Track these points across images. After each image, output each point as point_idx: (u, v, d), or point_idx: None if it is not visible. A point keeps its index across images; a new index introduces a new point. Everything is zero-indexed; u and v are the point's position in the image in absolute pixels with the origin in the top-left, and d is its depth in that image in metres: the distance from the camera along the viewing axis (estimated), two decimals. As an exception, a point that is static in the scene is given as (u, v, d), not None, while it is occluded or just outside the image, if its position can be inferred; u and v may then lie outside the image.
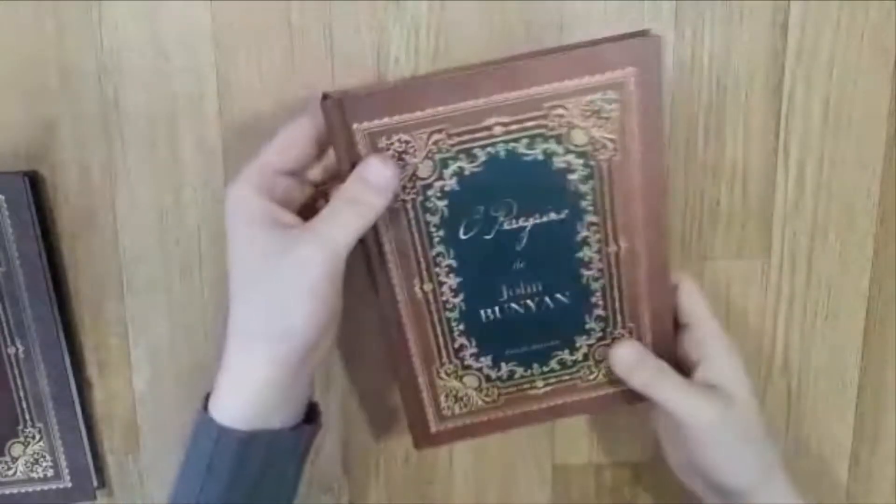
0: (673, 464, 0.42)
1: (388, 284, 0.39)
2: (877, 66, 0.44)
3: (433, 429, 0.43)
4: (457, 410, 0.43)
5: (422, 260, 0.39)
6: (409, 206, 0.37)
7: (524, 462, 0.50)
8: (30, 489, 0.48)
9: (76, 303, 0.46)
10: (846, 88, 0.44)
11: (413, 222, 0.38)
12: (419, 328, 0.40)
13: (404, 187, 0.37)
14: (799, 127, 0.44)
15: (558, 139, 0.36)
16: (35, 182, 0.44)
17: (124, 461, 0.49)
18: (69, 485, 0.48)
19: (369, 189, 0.35)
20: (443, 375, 0.42)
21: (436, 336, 0.41)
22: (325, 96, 0.34)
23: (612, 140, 0.37)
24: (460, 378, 0.42)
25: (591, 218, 0.38)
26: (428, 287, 0.39)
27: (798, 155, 0.45)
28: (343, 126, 0.35)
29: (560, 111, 0.36)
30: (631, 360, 0.40)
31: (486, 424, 0.43)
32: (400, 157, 0.36)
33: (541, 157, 0.37)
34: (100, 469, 0.49)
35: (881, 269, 0.47)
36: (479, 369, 0.42)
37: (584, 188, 0.37)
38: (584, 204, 0.38)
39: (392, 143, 0.36)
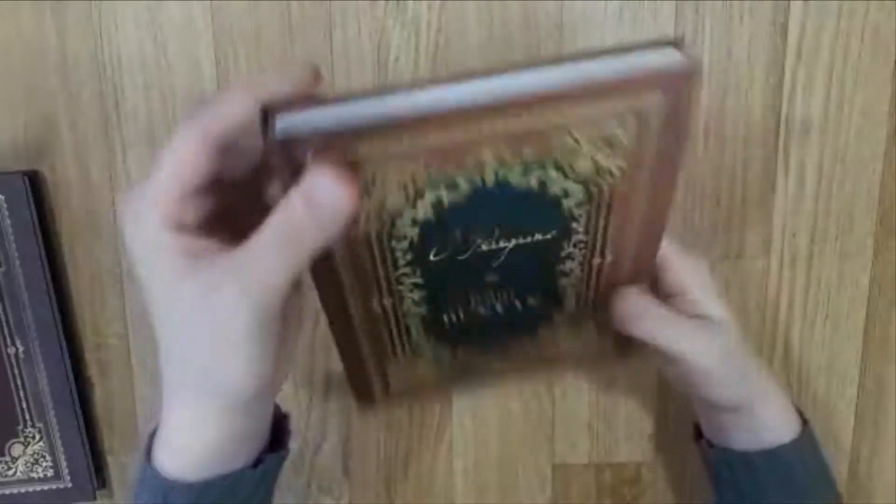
0: (678, 387, 0.42)
1: (339, 299, 0.33)
2: (877, 66, 0.44)
3: (378, 399, 0.40)
4: (406, 387, 0.40)
5: (382, 281, 0.33)
6: (371, 236, 0.31)
7: (524, 462, 0.50)
8: (30, 489, 0.48)
9: (76, 303, 0.46)
10: (846, 88, 0.44)
11: (376, 252, 0.32)
12: (372, 333, 0.36)
13: (368, 218, 0.30)
14: (799, 127, 0.44)
15: (558, 166, 0.30)
16: (35, 182, 0.44)
17: (124, 461, 0.49)
18: (69, 485, 0.48)
19: (315, 216, 0.26)
20: (393, 364, 0.38)
21: (391, 339, 0.37)
22: (265, 112, 0.26)
23: (621, 168, 0.31)
24: (412, 365, 0.39)
25: (579, 237, 0.34)
26: (387, 302, 0.34)
27: (798, 155, 0.45)
28: (289, 163, 0.26)
29: (567, 140, 0.29)
30: (636, 311, 0.37)
31: (433, 391, 0.42)
32: (364, 190, 0.28)
33: (535, 187, 0.31)
34: (100, 469, 0.49)
35: (881, 269, 0.47)
36: (435, 358, 0.39)
37: (577, 212, 0.32)
38: (574, 225, 0.33)
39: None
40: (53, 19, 0.42)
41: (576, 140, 0.29)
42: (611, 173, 0.31)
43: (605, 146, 0.30)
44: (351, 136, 0.26)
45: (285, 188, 0.26)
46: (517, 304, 0.37)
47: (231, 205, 0.30)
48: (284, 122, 0.25)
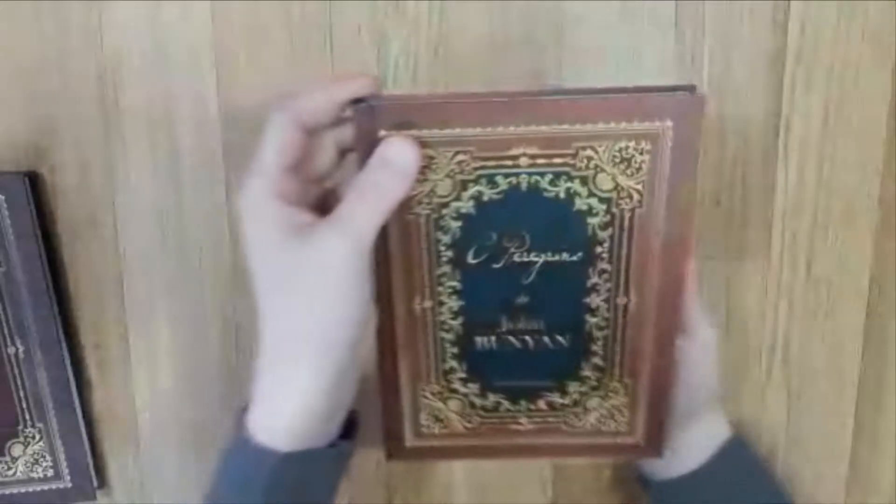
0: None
1: (388, 295, 0.38)
2: (877, 66, 0.44)
3: (408, 443, 0.42)
4: (436, 430, 0.42)
5: (426, 277, 0.38)
6: (421, 220, 0.36)
7: (524, 462, 0.50)
8: (30, 489, 0.48)
9: (76, 303, 0.46)
10: (846, 88, 0.44)
11: (423, 237, 0.37)
12: (411, 343, 0.39)
13: (420, 202, 0.36)
14: (799, 127, 0.45)
15: (583, 180, 0.35)
16: (35, 182, 0.44)
17: (124, 461, 0.49)
18: (69, 485, 0.48)
19: (391, 171, 0.33)
20: (427, 394, 0.41)
21: (426, 354, 0.40)
22: (355, 100, 0.34)
23: (638, 191, 0.36)
24: (444, 400, 0.41)
25: (604, 266, 0.37)
26: (427, 304, 0.38)
27: (798, 155, 0.45)
28: (370, 131, 0.34)
29: (589, 153, 0.35)
30: (690, 287, 0.39)
31: (462, 449, 0.42)
32: (421, 172, 0.35)
33: (562, 196, 0.36)
34: (100, 469, 0.49)
35: (881, 269, 0.47)
36: (465, 395, 0.41)
37: (602, 234, 0.36)
38: (599, 250, 0.37)
39: None
40: (54, 20, 0.43)
41: (597, 152, 0.35)
42: (630, 195, 0.36)
43: (623, 165, 0.35)
44: (415, 115, 0.34)
45: (365, 160, 0.34)
46: (546, 340, 0.39)
47: (311, 192, 0.36)
48: (367, 105, 0.34)
